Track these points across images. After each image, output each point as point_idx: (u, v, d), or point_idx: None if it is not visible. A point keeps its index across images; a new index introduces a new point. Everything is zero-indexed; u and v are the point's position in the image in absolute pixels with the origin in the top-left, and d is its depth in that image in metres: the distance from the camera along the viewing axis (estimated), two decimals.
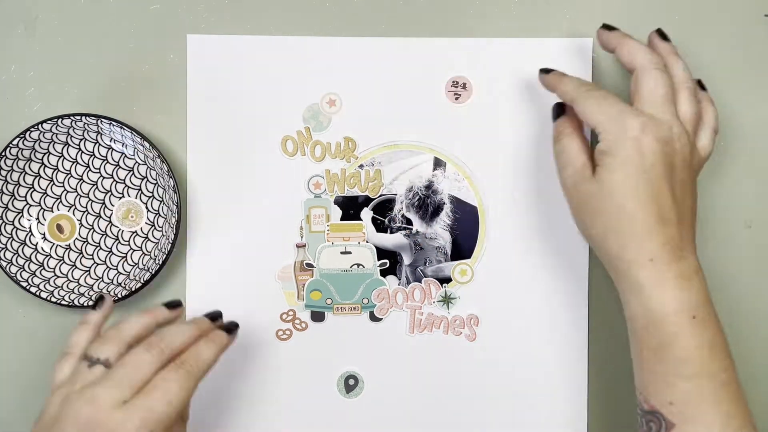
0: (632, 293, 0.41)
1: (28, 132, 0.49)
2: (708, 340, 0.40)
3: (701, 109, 0.46)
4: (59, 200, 0.52)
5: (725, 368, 0.40)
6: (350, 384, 0.53)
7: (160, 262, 0.49)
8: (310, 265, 0.53)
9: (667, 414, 0.40)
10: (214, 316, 0.47)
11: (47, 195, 0.52)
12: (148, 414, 0.38)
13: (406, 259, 0.53)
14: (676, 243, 0.41)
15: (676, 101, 0.44)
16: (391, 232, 0.53)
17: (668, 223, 0.41)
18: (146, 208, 0.52)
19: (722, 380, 0.40)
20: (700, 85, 0.48)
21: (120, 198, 0.52)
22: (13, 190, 0.51)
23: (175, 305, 0.46)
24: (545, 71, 0.49)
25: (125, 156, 0.52)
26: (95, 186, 0.52)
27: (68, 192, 0.52)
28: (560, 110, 0.48)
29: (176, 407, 0.40)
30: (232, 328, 0.46)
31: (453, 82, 0.53)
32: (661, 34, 0.48)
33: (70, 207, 0.52)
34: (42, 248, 0.52)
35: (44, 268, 0.51)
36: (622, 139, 0.42)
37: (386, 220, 0.53)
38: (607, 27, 0.48)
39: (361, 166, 0.53)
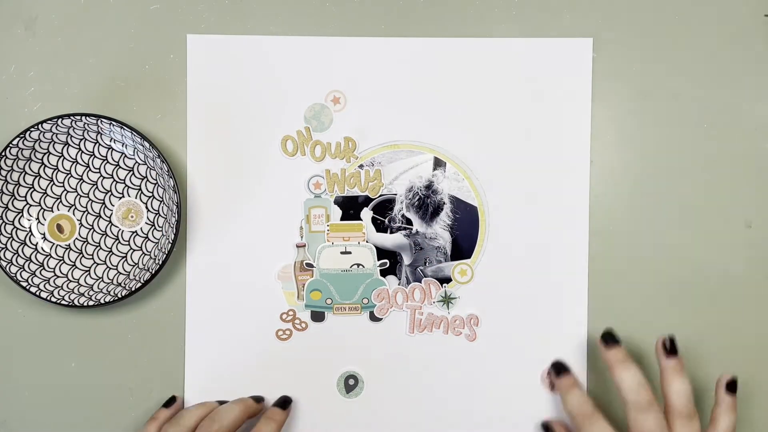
0: None
1: (28, 132, 0.49)
2: None
3: (715, 415, 0.47)
4: (59, 200, 0.52)
5: None
6: (350, 384, 0.53)
7: (160, 262, 0.49)
8: (310, 265, 0.53)
9: None
10: (258, 399, 0.51)
11: (47, 195, 0.52)
12: None
13: (406, 259, 0.53)
14: None
15: (671, 429, 0.45)
16: (391, 232, 0.53)
17: None
18: (146, 208, 0.52)
19: None
20: (729, 387, 0.48)
21: (120, 198, 0.52)
22: (13, 190, 0.51)
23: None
24: (557, 370, 0.51)
25: (125, 156, 0.52)
26: (95, 186, 0.52)
27: (68, 192, 0.52)
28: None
29: None
30: (286, 403, 0.51)
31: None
32: (670, 347, 0.48)
33: (70, 207, 0.52)
34: (42, 248, 0.52)
35: (44, 268, 0.51)
36: None
37: (386, 220, 0.53)
38: (606, 340, 0.49)
39: (361, 166, 0.53)
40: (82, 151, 0.52)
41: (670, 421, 0.46)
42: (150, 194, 0.52)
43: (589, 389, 0.52)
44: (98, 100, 0.52)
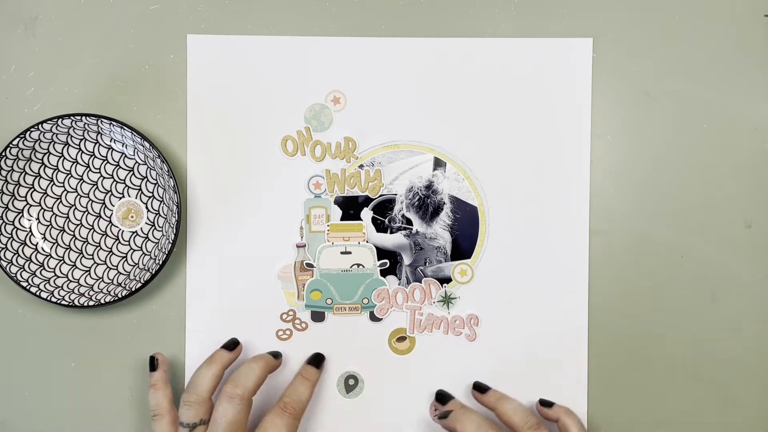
0: None
1: (28, 132, 0.49)
2: None
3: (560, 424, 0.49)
4: (59, 200, 0.52)
5: None
6: (350, 384, 0.53)
7: (160, 262, 0.49)
8: (310, 265, 0.53)
9: None
10: (276, 355, 0.51)
11: (47, 195, 0.52)
12: None
13: (406, 259, 0.53)
14: None
15: None
16: (391, 232, 0.53)
17: None
18: (146, 208, 0.52)
19: None
20: (544, 403, 0.51)
21: (120, 198, 0.52)
22: (13, 190, 0.51)
23: (232, 345, 0.50)
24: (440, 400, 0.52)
25: (125, 156, 0.52)
26: (95, 186, 0.52)
27: (68, 192, 0.52)
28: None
29: None
30: (318, 361, 0.52)
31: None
32: (478, 387, 0.51)
33: (70, 207, 0.52)
34: (42, 248, 0.52)
35: (44, 268, 0.51)
36: None
37: (386, 220, 0.53)
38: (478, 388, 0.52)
39: (361, 166, 0.53)
40: (83, 151, 0.52)
41: None
42: (150, 194, 0.52)
43: (590, 392, 0.52)
44: (98, 100, 0.52)
